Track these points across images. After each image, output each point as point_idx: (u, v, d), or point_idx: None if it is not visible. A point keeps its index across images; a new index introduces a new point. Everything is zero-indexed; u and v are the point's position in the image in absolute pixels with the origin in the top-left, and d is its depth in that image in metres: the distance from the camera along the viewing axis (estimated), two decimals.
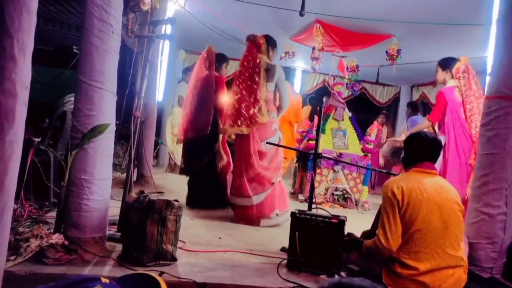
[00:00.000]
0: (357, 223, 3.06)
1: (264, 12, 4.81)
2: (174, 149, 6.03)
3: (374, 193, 5.82)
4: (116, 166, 5.27)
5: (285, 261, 2.43)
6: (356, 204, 4.90)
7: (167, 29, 3.80)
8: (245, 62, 3.59)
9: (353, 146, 5.02)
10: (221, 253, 2.60)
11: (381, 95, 8.57)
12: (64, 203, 2.30)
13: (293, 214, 2.47)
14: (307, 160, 4.88)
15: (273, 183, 3.55)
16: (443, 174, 3.59)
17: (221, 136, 4.01)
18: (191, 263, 2.33)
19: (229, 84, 4.07)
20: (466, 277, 2.17)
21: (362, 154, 4.99)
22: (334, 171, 4.90)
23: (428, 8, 4.26)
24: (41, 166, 3.27)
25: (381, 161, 5.11)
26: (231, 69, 6.89)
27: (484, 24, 3.62)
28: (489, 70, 2.65)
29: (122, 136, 5.64)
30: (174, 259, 2.28)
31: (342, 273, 2.32)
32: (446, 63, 3.78)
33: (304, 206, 2.89)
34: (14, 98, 1.45)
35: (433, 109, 3.81)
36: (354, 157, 4.91)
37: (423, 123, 3.93)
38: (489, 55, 2.70)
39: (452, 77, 3.73)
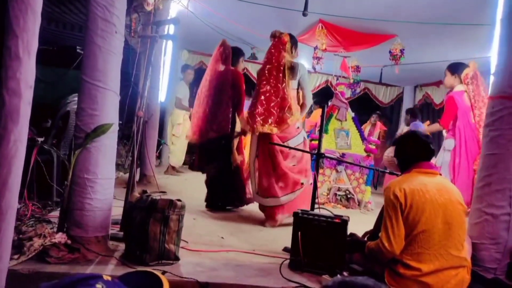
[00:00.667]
0: (360, 223, 3.05)
1: (267, 12, 4.81)
2: (169, 150, 6.01)
3: (376, 192, 5.82)
4: (119, 166, 5.28)
5: (287, 261, 2.43)
6: (359, 204, 4.89)
7: (170, 29, 3.82)
8: (273, 59, 3.50)
9: (356, 146, 5.01)
10: (224, 253, 2.60)
11: (384, 95, 8.56)
12: (67, 203, 2.30)
13: (295, 214, 2.46)
14: (310, 160, 4.87)
15: (302, 183, 3.48)
16: (453, 177, 3.60)
17: (237, 134, 3.93)
18: (193, 262, 2.33)
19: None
20: (469, 277, 2.16)
21: (365, 154, 4.98)
22: (337, 171, 4.89)
23: (431, 7, 4.24)
24: (44, 165, 3.28)
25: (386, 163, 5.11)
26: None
27: (488, 24, 3.60)
28: (493, 70, 2.63)
29: (125, 136, 5.66)
30: (176, 258, 2.28)
31: (345, 273, 2.32)
32: (456, 68, 3.79)
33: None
34: (19, 97, 1.46)
35: (444, 114, 3.78)
36: (357, 157, 4.91)
37: (434, 126, 3.93)
38: (493, 55, 2.69)
39: (461, 82, 3.73)
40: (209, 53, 7.43)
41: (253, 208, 3.95)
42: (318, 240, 2.36)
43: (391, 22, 4.60)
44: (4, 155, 1.46)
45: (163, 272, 2.09)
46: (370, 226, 2.58)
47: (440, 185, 2.18)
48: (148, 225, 2.21)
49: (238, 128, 4.06)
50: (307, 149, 3.67)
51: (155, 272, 0.78)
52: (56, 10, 5.10)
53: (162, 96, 5.20)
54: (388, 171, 3.13)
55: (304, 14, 4.04)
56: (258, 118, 3.41)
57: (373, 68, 6.53)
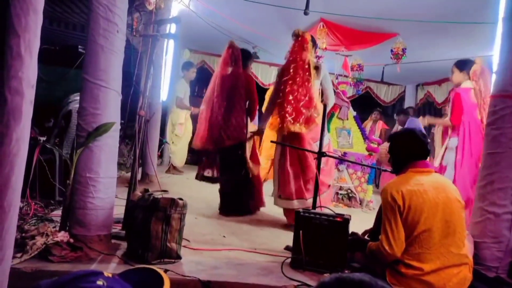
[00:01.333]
0: (361, 222, 3.05)
1: (268, 11, 4.81)
2: (170, 150, 5.99)
3: (377, 191, 5.81)
4: (121, 165, 5.30)
5: (289, 260, 2.44)
6: (360, 203, 4.88)
7: (171, 28, 3.82)
8: (297, 58, 3.42)
9: (357, 145, 5.00)
10: (225, 251, 2.61)
11: (386, 94, 8.54)
12: (69, 201, 2.31)
13: (297, 213, 2.47)
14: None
15: (329, 185, 3.45)
16: (455, 173, 3.60)
17: (250, 136, 3.78)
18: (195, 261, 2.33)
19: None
20: (471, 275, 2.16)
21: (366, 153, 4.97)
22: (338, 170, 4.89)
23: (433, 6, 4.23)
24: (46, 164, 3.30)
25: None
26: None
27: (490, 22, 3.60)
28: (495, 68, 2.63)
29: (127, 135, 5.67)
30: (178, 257, 2.29)
31: (346, 272, 2.32)
32: (464, 65, 3.77)
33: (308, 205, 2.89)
34: (21, 97, 1.46)
35: (453, 112, 3.74)
36: (359, 156, 4.90)
37: (443, 120, 3.91)
38: (495, 53, 2.68)
39: (469, 79, 3.72)
40: (211, 52, 7.49)
41: None
42: (319, 239, 2.37)
43: (393, 21, 4.59)
44: (6, 154, 1.47)
45: (165, 271, 2.09)
46: (371, 225, 2.58)
47: (437, 183, 2.16)
48: (150, 224, 2.22)
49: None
50: (331, 151, 3.60)
51: (156, 269, 0.79)
52: (58, 9, 5.11)
53: (163, 95, 5.20)
54: (390, 170, 3.12)
55: (306, 13, 4.03)
56: (289, 118, 3.29)
57: (374, 67, 6.51)
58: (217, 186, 3.99)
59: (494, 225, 2.47)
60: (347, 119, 5.08)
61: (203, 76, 7.83)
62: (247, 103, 3.77)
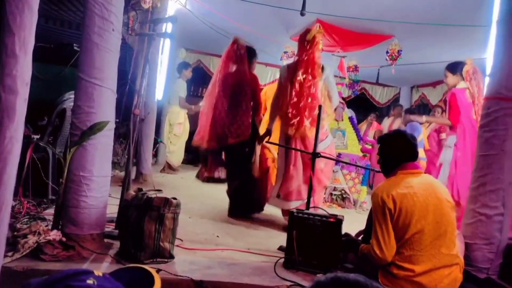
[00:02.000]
0: (355, 223, 3.06)
1: (265, 11, 4.81)
2: (168, 150, 5.99)
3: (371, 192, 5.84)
4: (115, 164, 5.28)
5: (282, 260, 2.44)
6: (354, 204, 4.91)
7: (167, 27, 3.81)
8: (308, 58, 3.36)
9: (352, 146, 5.02)
10: (218, 251, 2.61)
11: (380, 96, 8.58)
12: (62, 200, 2.30)
13: (291, 213, 2.48)
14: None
15: (326, 187, 3.44)
16: (454, 172, 3.63)
17: (259, 138, 3.69)
18: (188, 261, 2.34)
19: None
20: (461, 276, 2.17)
21: (361, 154, 5.00)
22: (333, 171, 4.90)
23: (428, 8, 4.26)
24: (40, 163, 3.28)
25: None
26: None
27: (484, 25, 3.63)
28: (488, 71, 2.65)
29: (122, 134, 5.65)
30: (171, 256, 2.29)
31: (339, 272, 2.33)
32: (456, 67, 3.83)
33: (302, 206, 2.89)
34: (15, 95, 1.46)
35: (450, 112, 3.77)
36: (353, 157, 4.92)
37: (443, 119, 3.94)
38: (489, 56, 2.71)
39: (463, 79, 3.77)
40: (207, 51, 7.49)
41: None
42: (312, 239, 2.38)
43: (388, 23, 4.61)
44: (0, 152, 1.46)
45: (158, 270, 2.09)
46: (365, 225, 2.59)
47: (426, 184, 2.17)
48: (143, 223, 2.21)
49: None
50: (333, 153, 3.59)
51: (147, 268, 0.79)
52: (53, 7, 5.08)
53: (159, 95, 5.19)
54: None
55: (302, 14, 4.03)
56: (306, 122, 3.27)
57: (370, 68, 6.54)
58: (214, 186, 3.97)
59: (486, 227, 2.49)
60: (342, 120, 5.10)
61: (198, 76, 7.82)
62: (252, 102, 3.70)
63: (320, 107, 2.95)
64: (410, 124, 5.58)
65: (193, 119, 6.36)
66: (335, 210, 4.50)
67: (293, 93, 3.33)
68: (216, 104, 3.67)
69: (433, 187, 2.17)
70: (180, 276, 2.07)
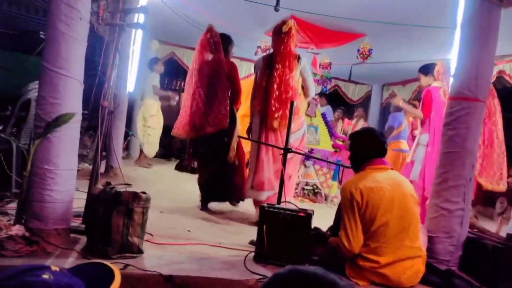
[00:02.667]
0: (326, 218, 3.12)
1: (239, 5, 4.79)
2: (146, 141, 5.91)
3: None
4: (83, 157, 5.13)
5: (252, 254, 2.46)
6: (325, 199, 5.00)
7: (139, 18, 3.72)
8: (283, 49, 3.36)
9: (324, 142, 5.11)
10: (189, 246, 2.60)
11: (353, 93, 8.75)
12: (26, 194, 2.22)
13: (261, 208, 2.49)
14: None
15: (290, 176, 3.45)
16: (423, 168, 3.75)
17: (238, 129, 3.72)
18: (158, 256, 2.31)
19: None
20: (424, 268, 2.27)
21: (333, 150, 5.09)
22: (305, 166, 4.97)
23: (399, 10, 4.39)
24: (3, 155, 3.14)
25: None
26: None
27: (450, 27, 3.77)
28: (452, 72, 2.76)
29: (91, 126, 5.50)
30: (140, 251, 2.25)
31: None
32: (427, 69, 3.99)
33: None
34: None
35: (423, 107, 3.88)
36: (325, 153, 5.01)
37: (415, 111, 4.06)
38: (453, 57, 2.82)
39: (435, 79, 3.90)
40: (181, 44, 7.37)
41: (219, 203, 3.95)
42: (283, 233, 2.40)
43: (361, 22, 4.71)
44: None
45: (126, 265, 2.06)
46: None
47: (392, 179, 2.26)
48: (111, 218, 2.17)
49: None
50: (304, 144, 3.61)
51: (107, 263, 0.78)
52: None
53: (130, 87, 5.07)
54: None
55: (276, 9, 4.05)
56: (277, 114, 3.29)
57: (343, 66, 6.66)
58: (188, 180, 3.92)
59: (447, 221, 2.60)
60: (315, 116, 5.18)
61: (172, 68, 7.70)
62: (230, 91, 3.67)
63: (292, 103, 2.97)
64: (391, 115, 5.71)
65: (167, 112, 6.29)
66: (307, 204, 4.58)
67: (274, 86, 3.34)
68: (193, 94, 3.62)
69: (398, 182, 2.26)
70: (149, 271, 2.04)
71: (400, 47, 5.57)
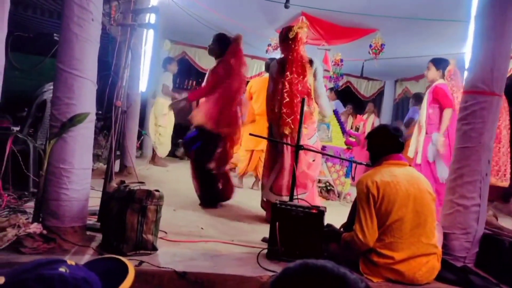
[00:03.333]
0: (339, 215, 3.10)
1: (249, 3, 4.80)
2: (157, 141, 5.96)
3: (354, 184, 5.92)
4: (98, 157, 5.21)
5: (265, 251, 2.47)
6: (338, 196, 4.97)
7: (150, 18, 3.76)
8: (295, 54, 3.33)
9: (336, 139, 5.07)
10: (202, 243, 2.62)
11: (365, 89, 8.67)
12: (42, 193, 2.27)
13: (274, 205, 2.50)
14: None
15: (314, 180, 3.44)
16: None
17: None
18: (171, 253, 2.34)
19: None
20: (439, 265, 2.24)
21: (345, 147, 5.05)
22: None
23: (412, 3, 4.32)
24: (20, 155, 3.21)
25: None
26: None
27: (464, 21, 3.70)
28: (467, 65, 2.71)
29: (106, 126, 5.58)
30: (154, 248, 2.28)
31: None
32: (440, 63, 3.86)
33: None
34: None
35: (445, 100, 3.73)
36: (338, 150, 4.98)
37: (448, 114, 3.84)
38: (467, 51, 2.76)
39: (442, 77, 3.81)
40: (192, 43, 7.41)
41: (233, 199, 3.97)
42: (295, 230, 2.40)
43: (373, 17, 4.65)
44: None
45: (140, 262, 2.10)
46: None
47: (410, 175, 2.25)
48: (126, 215, 2.20)
49: None
50: (319, 148, 3.59)
51: (121, 258, 0.79)
52: None
53: (143, 86, 5.13)
54: (366, 163, 3.18)
55: (286, 6, 4.04)
56: (288, 119, 3.27)
57: (355, 62, 6.60)
58: None
59: (463, 217, 2.56)
60: None
61: (184, 68, 7.75)
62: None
63: (303, 100, 2.96)
64: (412, 108, 5.61)
65: (179, 111, 6.33)
66: (319, 202, 4.55)
67: (285, 93, 3.31)
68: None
69: (415, 178, 2.25)
70: (163, 267, 2.07)
71: (413, 41, 5.49)
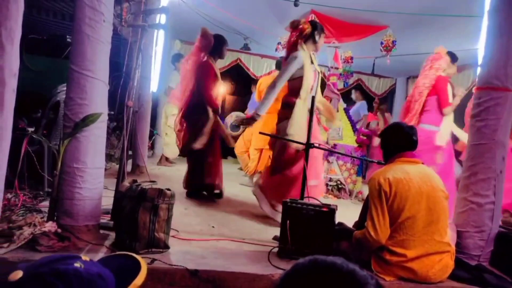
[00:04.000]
0: (350, 213, 3.09)
1: (259, 2, 4.79)
2: (164, 142, 5.97)
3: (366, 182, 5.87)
4: (111, 157, 5.28)
5: (276, 249, 2.47)
6: (350, 195, 4.94)
7: (161, 18, 3.79)
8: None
9: (347, 137, 5.04)
10: (214, 241, 2.63)
11: (377, 87, 8.57)
12: (57, 192, 2.31)
13: (284, 203, 2.50)
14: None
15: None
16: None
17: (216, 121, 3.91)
18: (183, 251, 2.36)
19: None
20: (453, 263, 2.22)
21: (356, 145, 5.02)
22: (328, 162, 4.93)
23: None
24: (35, 155, 3.27)
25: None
26: (227, 59, 6.87)
27: (477, 16, 3.63)
28: (480, 61, 2.67)
29: (118, 126, 5.64)
30: (166, 247, 2.30)
31: None
32: (455, 58, 3.84)
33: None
34: (3, 85, 1.46)
35: (445, 97, 3.69)
36: (349, 148, 4.95)
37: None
38: (480, 46, 2.72)
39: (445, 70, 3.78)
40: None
41: (244, 198, 3.99)
42: (306, 228, 2.40)
43: (383, 13, 4.61)
44: None
45: (153, 260, 2.12)
46: None
47: (422, 173, 2.23)
48: (138, 214, 2.23)
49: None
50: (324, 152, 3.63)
51: (134, 255, 0.81)
52: None
53: (154, 86, 5.17)
54: (376, 161, 3.16)
55: (296, 4, 4.03)
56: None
57: (366, 59, 6.54)
58: None
59: (477, 215, 2.53)
60: (338, 111, 5.11)
61: None
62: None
63: (313, 98, 2.95)
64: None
65: None
66: (330, 200, 4.54)
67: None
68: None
69: (428, 176, 2.23)
70: (175, 265, 2.09)
71: (425, 38, 5.41)
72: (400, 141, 2.34)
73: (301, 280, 0.63)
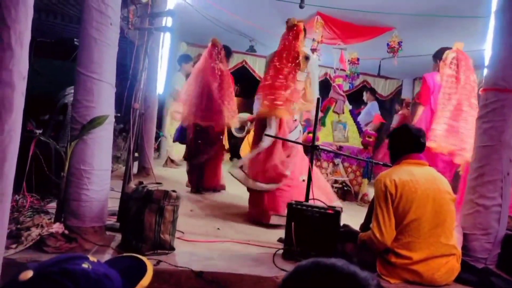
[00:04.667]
0: (356, 216, 3.08)
1: (264, 3, 4.81)
2: (167, 143, 6.00)
3: (372, 184, 5.84)
4: (117, 159, 5.31)
5: (281, 251, 2.47)
6: (355, 197, 4.92)
7: (167, 21, 3.82)
8: (290, 47, 3.40)
9: (353, 139, 5.03)
10: (219, 243, 2.64)
11: (383, 88, 8.55)
12: (64, 193, 2.34)
13: (289, 205, 2.50)
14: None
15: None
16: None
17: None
18: (189, 252, 2.37)
19: None
20: (459, 266, 2.20)
21: (362, 147, 5.00)
22: (334, 164, 4.92)
23: (428, 0, 4.24)
24: (43, 157, 3.31)
25: None
26: (233, 61, 6.89)
27: (484, 16, 3.61)
28: (487, 62, 2.65)
29: (124, 129, 5.67)
30: (172, 248, 2.32)
31: None
32: (436, 55, 3.90)
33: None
34: (12, 89, 1.48)
35: (421, 94, 3.90)
36: (354, 150, 4.93)
37: (418, 110, 3.96)
38: (487, 47, 2.70)
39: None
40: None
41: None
42: (311, 230, 2.40)
43: (389, 15, 4.60)
44: None
45: (158, 262, 2.13)
46: None
47: (429, 175, 2.21)
48: (144, 216, 2.24)
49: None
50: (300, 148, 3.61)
51: (140, 257, 0.82)
52: (54, 2, 5.08)
53: (160, 89, 5.20)
54: (382, 163, 3.14)
55: (301, 6, 4.03)
56: (268, 98, 3.34)
57: (372, 61, 6.53)
58: None
59: (484, 218, 2.50)
60: (343, 113, 5.10)
61: None
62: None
63: (318, 99, 2.95)
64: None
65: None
66: (336, 202, 4.51)
67: (268, 76, 3.41)
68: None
69: (435, 178, 2.22)
70: (180, 267, 2.10)
71: (431, 39, 5.38)
72: (407, 143, 2.33)
73: (302, 282, 0.63)
